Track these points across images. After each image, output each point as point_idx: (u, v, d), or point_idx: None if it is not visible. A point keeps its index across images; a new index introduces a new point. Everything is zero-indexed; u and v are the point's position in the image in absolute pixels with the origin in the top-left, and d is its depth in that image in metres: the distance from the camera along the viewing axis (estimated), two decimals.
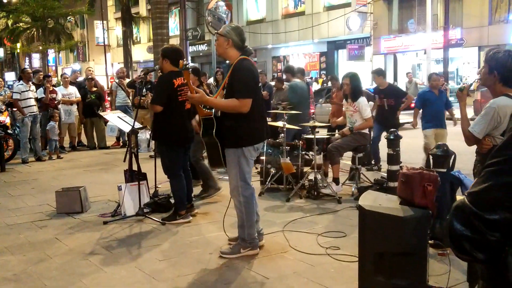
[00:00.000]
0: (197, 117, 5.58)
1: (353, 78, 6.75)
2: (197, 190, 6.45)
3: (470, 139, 3.64)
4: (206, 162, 6.80)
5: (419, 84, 18.75)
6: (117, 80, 12.12)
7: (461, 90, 3.87)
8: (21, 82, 10.03)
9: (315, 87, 19.83)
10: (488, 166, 1.18)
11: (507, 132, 1.21)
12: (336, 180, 6.59)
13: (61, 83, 12.18)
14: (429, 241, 3.57)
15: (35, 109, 9.96)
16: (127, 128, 5.99)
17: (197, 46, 33.62)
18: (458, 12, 22.82)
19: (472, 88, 14.51)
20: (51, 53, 46.00)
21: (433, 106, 7.49)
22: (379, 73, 8.65)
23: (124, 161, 5.99)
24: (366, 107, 6.63)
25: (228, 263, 4.19)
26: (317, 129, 6.75)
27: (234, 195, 4.33)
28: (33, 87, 10.11)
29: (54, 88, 11.06)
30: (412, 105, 8.72)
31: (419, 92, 8.60)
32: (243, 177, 4.23)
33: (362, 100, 6.66)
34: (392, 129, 6.08)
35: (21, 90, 9.77)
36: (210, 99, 4.26)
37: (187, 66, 4.27)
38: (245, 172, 4.23)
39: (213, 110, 4.35)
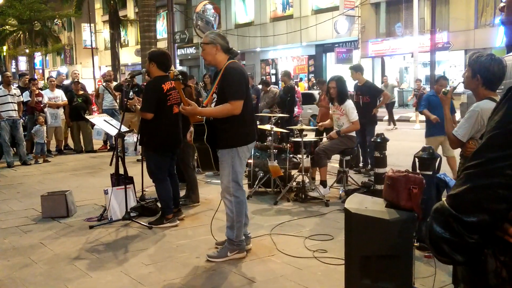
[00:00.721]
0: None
1: (339, 82, 6.78)
2: (182, 193, 6.40)
3: (454, 142, 3.67)
4: (195, 167, 6.79)
5: (395, 87, 18.65)
6: (104, 83, 12.06)
7: (445, 93, 3.89)
8: (0, 86, 9.88)
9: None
10: (466, 169, 1.19)
11: (485, 135, 1.21)
12: (323, 183, 6.60)
13: (48, 86, 12.09)
14: (415, 244, 3.59)
15: (14, 114, 9.74)
16: (113, 132, 5.95)
17: (185, 49, 33.53)
18: (445, 16, 23.02)
19: (460, 90, 14.62)
20: (38, 56, 45.62)
21: (437, 111, 6.82)
22: (356, 69, 8.46)
23: (111, 164, 5.94)
24: (353, 110, 6.65)
25: (215, 266, 4.18)
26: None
27: (224, 195, 4.32)
28: (14, 91, 9.89)
29: (40, 91, 10.96)
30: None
31: (424, 96, 8.09)
32: (236, 177, 4.24)
33: (349, 103, 6.69)
34: (379, 133, 6.09)
35: None
36: (202, 110, 4.26)
37: (178, 76, 4.23)
38: (237, 173, 4.24)
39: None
